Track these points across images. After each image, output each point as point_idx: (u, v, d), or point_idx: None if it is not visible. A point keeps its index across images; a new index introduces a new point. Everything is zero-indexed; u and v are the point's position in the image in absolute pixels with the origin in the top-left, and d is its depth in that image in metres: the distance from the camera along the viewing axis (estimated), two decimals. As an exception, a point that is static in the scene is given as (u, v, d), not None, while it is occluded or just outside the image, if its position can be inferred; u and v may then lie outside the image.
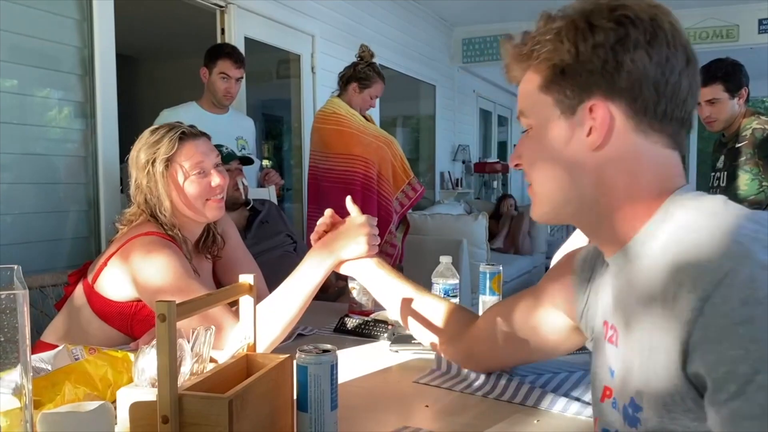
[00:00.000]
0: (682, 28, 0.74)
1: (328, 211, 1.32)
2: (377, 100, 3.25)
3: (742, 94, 2.67)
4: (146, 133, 1.53)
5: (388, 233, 3.09)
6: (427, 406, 1.12)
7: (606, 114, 0.73)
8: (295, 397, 0.89)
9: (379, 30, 5.18)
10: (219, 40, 3.54)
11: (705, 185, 2.92)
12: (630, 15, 0.72)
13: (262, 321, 1.07)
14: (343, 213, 1.33)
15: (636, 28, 0.72)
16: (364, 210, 3.27)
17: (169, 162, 1.48)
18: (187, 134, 1.51)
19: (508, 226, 6.14)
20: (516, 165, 0.84)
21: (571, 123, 0.75)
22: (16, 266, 0.68)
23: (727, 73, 2.67)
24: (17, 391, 0.62)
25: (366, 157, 3.01)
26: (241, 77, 2.99)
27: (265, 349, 1.19)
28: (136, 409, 0.81)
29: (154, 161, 1.47)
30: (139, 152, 1.51)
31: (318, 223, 1.32)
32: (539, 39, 0.76)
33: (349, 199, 1.32)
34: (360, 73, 3.07)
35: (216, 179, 1.52)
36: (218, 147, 2.33)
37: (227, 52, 2.97)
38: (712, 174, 2.83)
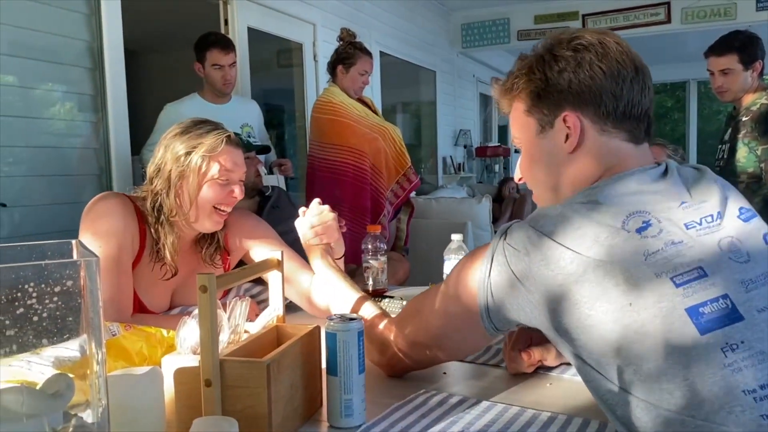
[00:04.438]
0: (627, 45, 0.95)
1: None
2: (369, 79, 3.18)
3: (756, 67, 2.66)
4: (188, 122, 1.49)
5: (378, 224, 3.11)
6: (444, 373, 1.18)
7: (576, 121, 0.93)
8: (324, 362, 0.96)
9: (379, 17, 5.21)
10: (222, 31, 3.58)
11: (711, 159, 2.93)
12: (583, 42, 0.93)
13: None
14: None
15: (589, 51, 0.92)
16: (356, 201, 3.31)
17: (206, 159, 1.44)
18: (232, 140, 1.49)
19: (511, 209, 6.20)
20: (519, 179, 1.06)
21: (551, 134, 0.96)
22: (74, 240, 0.74)
23: (744, 44, 2.66)
24: (80, 358, 0.67)
25: (359, 149, 3.00)
26: (234, 62, 2.98)
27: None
28: (180, 374, 0.88)
29: (192, 153, 1.43)
30: (178, 140, 1.45)
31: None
32: (517, 74, 0.98)
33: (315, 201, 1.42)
34: (341, 54, 3.07)
35: (237, 190, 1.49)
36: (237, 135, 2.39)
37: (212, 41, 2.95)
38: (719, 146, 2.83)
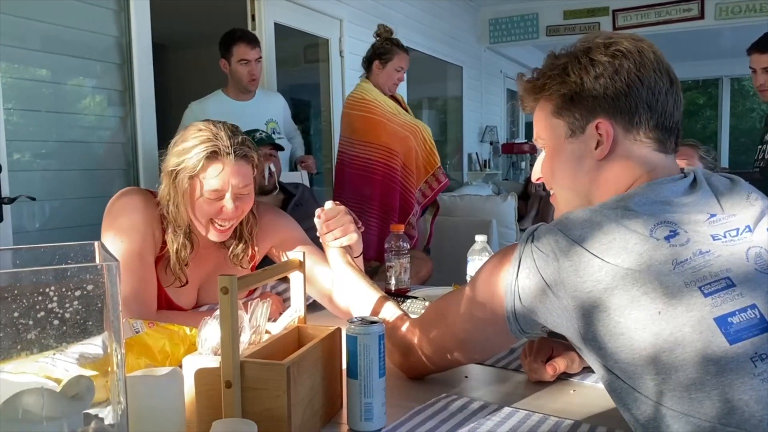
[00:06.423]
0: (662, 55, 0.93)
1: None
2: (404, 76, 3.18)
3: None
4: (191, 128, 1.43)
5: (407, 224, 3.09)
6: (466, 377, 1.17)
7: (610, 129, 0.91)
8: (345, 365, 0.95)
9: (406, 12, 5.19)
10: (249, 27, 3.59)
11: (748, 159, 2.83)
12: (621, 49, 0.91)
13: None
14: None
15: (627, 59, 0.90)
16: (385, 199, 3.26)
17: (188, 179, 1.39)
18: (219, 153, 1.38)
19: (537, 207, 6.13)
20: (538, 179, 1.04)
21: (581, 139, 0.94)
22: (96, 242, 0.74)
23: None
24: (104, 355, 0.67)
25: (390, 147, 2.98)
26: (260, 57, 2.98)
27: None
28: (201, 375, 0.88)
29: (178, 172, 1.40)
30: (172, 154, 1.42)
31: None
32: (549, 74, 0.95)
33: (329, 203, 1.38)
34: (379, 49, 3.05)
35: (229, 207, 1.41)
36: (253, 132, 2.38)
37: (239, 36, 2.95)
38: (759, 147, 2.74)
